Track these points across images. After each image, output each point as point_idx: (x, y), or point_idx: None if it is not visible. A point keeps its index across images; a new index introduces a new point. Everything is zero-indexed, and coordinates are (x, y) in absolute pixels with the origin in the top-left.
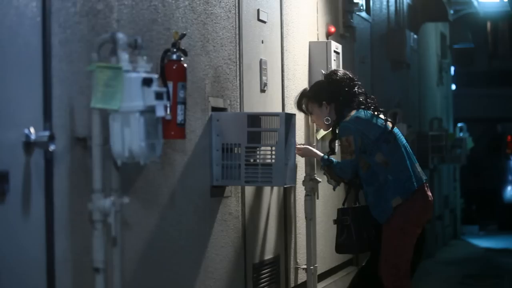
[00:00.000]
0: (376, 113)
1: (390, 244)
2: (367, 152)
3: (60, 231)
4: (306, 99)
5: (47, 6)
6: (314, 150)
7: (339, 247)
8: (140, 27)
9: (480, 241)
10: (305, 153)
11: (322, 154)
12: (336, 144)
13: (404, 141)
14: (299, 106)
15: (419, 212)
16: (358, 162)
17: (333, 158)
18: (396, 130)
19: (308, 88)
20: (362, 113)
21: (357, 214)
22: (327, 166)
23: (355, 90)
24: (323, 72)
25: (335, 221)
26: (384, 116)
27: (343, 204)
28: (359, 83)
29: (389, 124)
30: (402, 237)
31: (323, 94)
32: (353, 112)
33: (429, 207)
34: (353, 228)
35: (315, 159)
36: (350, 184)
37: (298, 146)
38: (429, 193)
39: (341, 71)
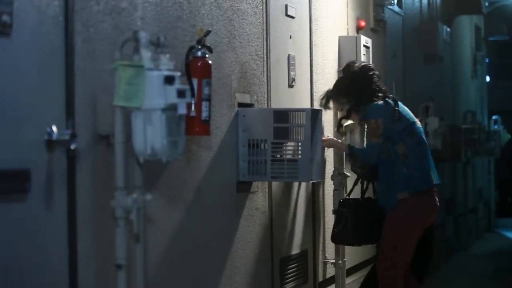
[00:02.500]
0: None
1: (391, 242)
2: (390, 140)
3: (83, 228)
4: (332, 99)
5: (70, 5)
6: (338, 141)
7: (334, 237)
8: (164, 25)
9: None
10: (330, 144)
11: (344, 143)
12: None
13: (426, 140)
14: (325, 107)
15: (424, 214)
16: (383, 146)
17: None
18: (420, 128)
19: (329, 89)
20: (389, 103)
21: (359, 206)
22: (352, 152)
23: (374, 80)
24: (339, 69)
25: (334, 211)
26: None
27: (348, 195)
28: (377, 72)
29: (418, 122)
30: (403, 237)
31: (344, 87)
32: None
33: (434, 212)
34: (350, 220)
35: (344, 153)
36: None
37: (324, 138)
38: (437, 198)
39: (356, 62)
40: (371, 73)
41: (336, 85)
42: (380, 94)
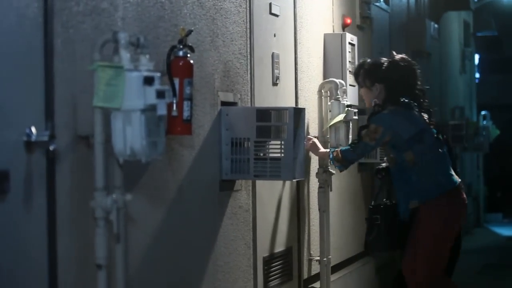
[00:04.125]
0: (421, 112)
1: (426, 244)
2: (397, 148)
3: (63, 228)
4: (363, 71)
5: (49, 6)
6: (319, 145)
7: (369, 246)
8: (146, 25)
9: (503, 229)
10: (311, 148)
11: (326, 150)
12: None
13: (442, 145)
14: (355, 76)
15: (454, 216)
16: (371, 151)
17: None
18: (433, 134)
19: (369, 61)
20: (401, 109)
21: (388, 212)
22: (335, 152)
23: (414, 82)
24: (394, 53)
25: (366, 219)
26: (429, 118)
27: (374, 201)
28: (420, 78)
29: (432, 127)
30: (435, 242)
31: (379, 73)
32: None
33: (460, 212)
34: (383, 227)
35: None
36: (382, 179)
37: (309, 137)
38: (463, 197)
39: (408, 60)
40: (413, 75)
41: (373, 61)
42: (403, 96)
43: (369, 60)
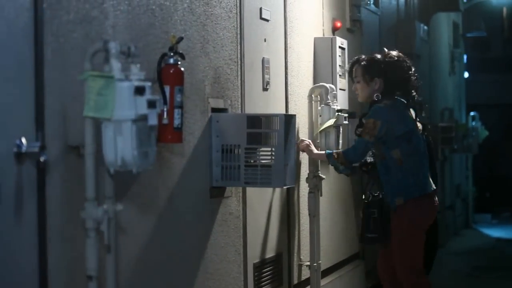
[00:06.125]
0: (412, 110)
1: (401, 245)
2: (386, 145)
3: (53, 239)
4: (359, 67)
5: (39, 15)
6: (313, 147)
7: (368, 240)
8: (136, 32)
9: (492, 230)
10: (305, 149)
11: (321, 152)
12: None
13: (424, 147)
14: (350, 72)
15: (424, 216)
16: (371, 148)
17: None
18: (420, 135)
19: (364, 57)
20: (398, 104)
21: (384, 205)
22: (336, 154)
23: (409, 76)
24: (386, 50)
25: (362, 212)
26: (419, 117)
27: (365, 195)
28: (416, 74)
29: (419, 128)
30: (409, 238)
31: (378, 68)
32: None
33: (433, 213)
34: (379, 220)
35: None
36: (367, 172)
37: (302, 139)
38: (436, 200)
39: (403, 55)
40: (409, 70)
41: (369, 57)
42: (401, 90)
43: (363, 56)
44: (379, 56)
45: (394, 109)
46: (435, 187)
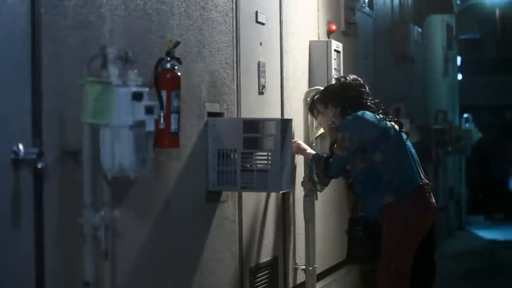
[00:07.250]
0: (381, 116)
1: (389, 248)
2: (366, 152)
3: (51, 246)
4: (315, 102)
5: (36, 21)
6: (304, 146)
7: (352, 258)
8: (134, 37)
9: (485, 232)
10: (297, 150)
11: (313, 151)
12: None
13: (409, 143)
14: (310, 110)
15: (418, 216)
16: (349, 160)
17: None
18: (396, 132)
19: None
20: (362, 113)
21: (368, 223)
22: (318, 159)
23: (363, 97)
24: (335, 76)
25: (347, 231)
26: (390, 119)
27: (352, 213)
28: (368, 91)
29: (395, 126)
30: (400, 242)
31: (331, 96)
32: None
33: (428, 212)
34: (364, 238)
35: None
36: (354, 193)
37: (294, 140)
38: (432, 199)
39: (352, 76)
40: (360, 89)
41: (323, 89)
42: (370, 105)
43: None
44: (333, 84)
45: (358, 117)
46: (427, 182)
